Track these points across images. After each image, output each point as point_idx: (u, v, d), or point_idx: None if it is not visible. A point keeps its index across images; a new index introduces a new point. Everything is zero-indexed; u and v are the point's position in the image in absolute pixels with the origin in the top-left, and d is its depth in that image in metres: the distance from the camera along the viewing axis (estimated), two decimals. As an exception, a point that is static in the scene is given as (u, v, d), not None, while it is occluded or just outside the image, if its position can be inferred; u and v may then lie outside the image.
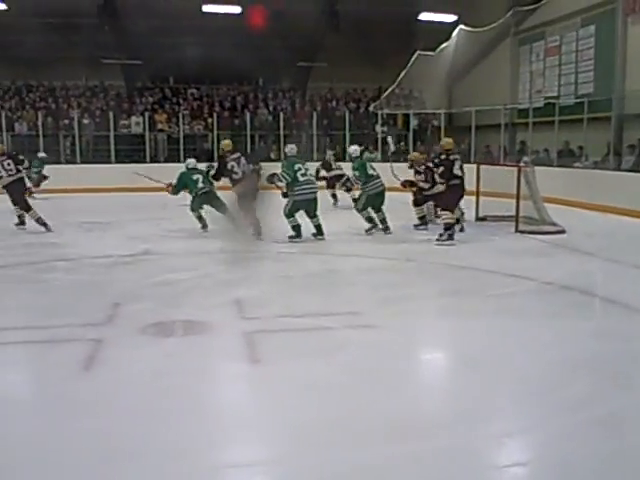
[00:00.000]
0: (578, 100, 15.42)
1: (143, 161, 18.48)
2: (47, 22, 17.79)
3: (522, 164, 11.27)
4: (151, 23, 18.45)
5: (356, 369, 4.17)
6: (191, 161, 10.23)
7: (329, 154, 14.02)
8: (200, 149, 19.13)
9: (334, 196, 13.30)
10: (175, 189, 10.05)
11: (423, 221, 10.14)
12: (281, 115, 19.99)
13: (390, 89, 19.24)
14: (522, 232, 9.65)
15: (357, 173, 9.69)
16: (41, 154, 16.05)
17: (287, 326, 5.07)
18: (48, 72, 21.08)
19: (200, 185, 9.74)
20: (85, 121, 19.28)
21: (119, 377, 4.03)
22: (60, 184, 15.73)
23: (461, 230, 9.57)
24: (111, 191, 15.50)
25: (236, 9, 18.48)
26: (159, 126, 19.73)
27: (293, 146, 9.52)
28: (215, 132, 19.23)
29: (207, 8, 18.49)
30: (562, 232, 9.59)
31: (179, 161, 18.75)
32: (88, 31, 18.25)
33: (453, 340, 4.98)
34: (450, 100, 21.10)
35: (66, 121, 19.27)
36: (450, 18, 18.56)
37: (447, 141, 9.53)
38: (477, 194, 11.01)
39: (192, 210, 9.96)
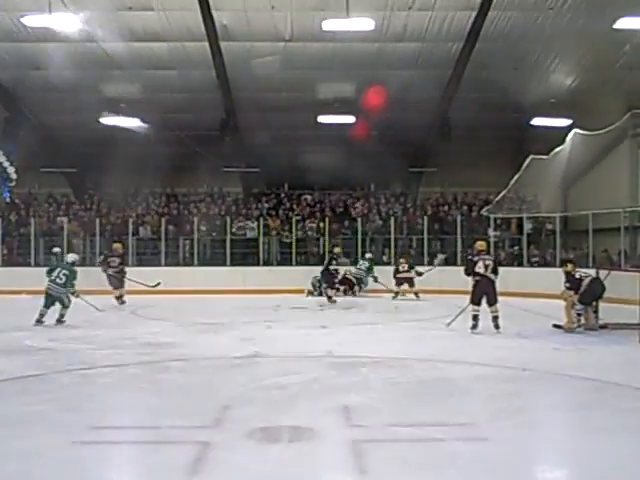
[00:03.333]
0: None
1: (256, 264, 19.03)
2: (175, 135, 19.17)
3: (646, 269, 10.77)
4: (269, 134, 19.43)
5: (469, 486, 3.92)
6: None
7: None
8: (311, 252, 19.57)
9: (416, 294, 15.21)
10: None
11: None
12: (392, 220, 20.21)
13: (502, 193, 19.09)
14: (649, 341, 9.07)
15: None
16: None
17: (396, 436, 4.88)
18: (172, 180, 22.52)
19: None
20: (202, 228, 20.22)
21: (224, 483, 3.96)
22: (178, 285, 16.44)
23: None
24: (225, 293, 15.96)
25: (350, 119, 19.16)
26: (272, 232, 20.38)
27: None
28: (327, 236, 19.65)
29: (322, 119, 19.29)
30: (694, 342, 8.95)
31: (291, 264, 19.22)
32: (211, 143, 19.49)
33: (576, 458, 4.60)
34: (566, 203, 20.66)
35: (187, 226, 20.31)
36: (564, 122, 18.36)
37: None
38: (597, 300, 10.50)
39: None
